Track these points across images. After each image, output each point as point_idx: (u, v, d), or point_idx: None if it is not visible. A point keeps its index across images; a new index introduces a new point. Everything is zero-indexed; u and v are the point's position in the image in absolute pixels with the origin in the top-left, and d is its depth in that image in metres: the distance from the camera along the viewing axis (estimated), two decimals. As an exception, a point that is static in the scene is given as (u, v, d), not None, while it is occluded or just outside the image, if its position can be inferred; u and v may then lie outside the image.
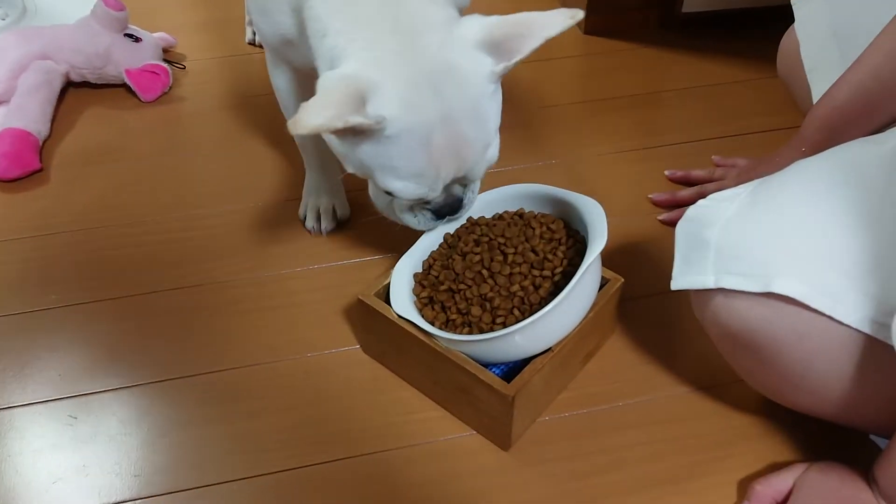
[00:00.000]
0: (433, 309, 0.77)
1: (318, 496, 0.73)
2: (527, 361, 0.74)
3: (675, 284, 0.70)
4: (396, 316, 0.77)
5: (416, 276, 0.81)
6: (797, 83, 1.12)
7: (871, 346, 0.61)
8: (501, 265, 0.77)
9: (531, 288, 0.76)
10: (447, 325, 0.76)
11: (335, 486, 0.74)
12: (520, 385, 0.71)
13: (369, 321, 0.81)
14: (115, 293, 0.92)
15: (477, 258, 0.78)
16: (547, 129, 1.17)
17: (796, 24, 1.08)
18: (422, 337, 0.75)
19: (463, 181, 0.76)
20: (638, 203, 1.03)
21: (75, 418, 0.80)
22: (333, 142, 0.73)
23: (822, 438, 0.76)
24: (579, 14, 0.67)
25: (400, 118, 0.68)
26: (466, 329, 0.75)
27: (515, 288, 0.75)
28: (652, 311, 0.89)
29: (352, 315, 0.89)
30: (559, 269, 0.76)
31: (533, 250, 0.78)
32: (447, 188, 0.75)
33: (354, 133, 0.68)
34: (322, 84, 0.68)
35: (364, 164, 0.72)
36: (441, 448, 0.77)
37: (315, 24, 0.73)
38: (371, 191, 0.82)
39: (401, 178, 0.71)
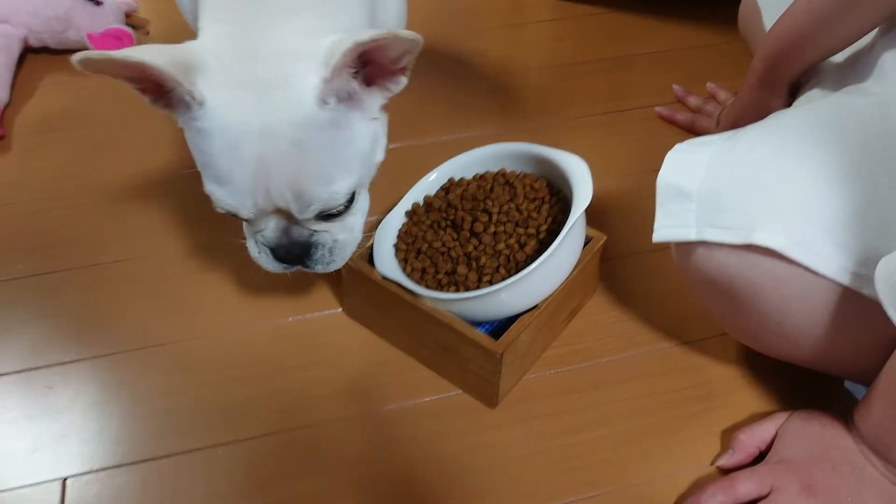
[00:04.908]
0: (418, 269, 0.77)
1: (306, 456, 0.73)
2: (512, 320, 0.74)
3: (657, 237, 0.70)
4: (381, 277, 0.76)
5: (399, 236, 0.80)
6: (756, 41, 1.14)
7: (846, 296, 0.63)
8: (486, 224, 0.76)
9: (516, 246, 0.75)
10: (432, 285, 0.76)
11: (321, 448, 0.73)
12: (507, 342, 0.71)
13: (353, 283, 0.80)
14: (84, 262, 0.90)
15: (461, 218, 0.78)
16: (519, 93, 1.16)
17: None
18: (407, 298, 0.75)
19: (296, 220, 0.66)
20: (613, 165, 1.03)
21: (51, 388, 0.78)
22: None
23: (802, 388, 0.77)
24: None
25: (215, 113, 0.60)
26: (452, 288, 0.75)
27: (501, 246, 0.75)
28: (632, 270, 0.90)
29: (334, 278, 0.88)
30: (544, 227, 0.76)
31: (517, 209, 0.78)
32: (284, 227, 0.67)
33: (178, 104, 0.61)
34: None
35: (193, 152, 0.65)
36: (427, 408, 0.76)
37: None
38: None
39: (212, 180, 0.64)
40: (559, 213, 0.78)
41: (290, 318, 0.84)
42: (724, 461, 0.71)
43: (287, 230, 0.67)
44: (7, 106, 1.10)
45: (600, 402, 0.77)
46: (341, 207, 0.66)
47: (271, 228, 0.66)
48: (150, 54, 0.56)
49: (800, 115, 0.70)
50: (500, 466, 0.72)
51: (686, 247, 0.69)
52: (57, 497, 0.69)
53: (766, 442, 0.71)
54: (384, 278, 0.76)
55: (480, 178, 0.83)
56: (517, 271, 0.73)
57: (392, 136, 0.71)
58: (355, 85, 0.62)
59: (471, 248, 0.75)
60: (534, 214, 0.77)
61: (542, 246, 0.75)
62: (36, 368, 0.79)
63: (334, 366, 0.80)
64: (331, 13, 0.65)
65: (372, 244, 0.79)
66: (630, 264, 0.90)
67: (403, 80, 0.64)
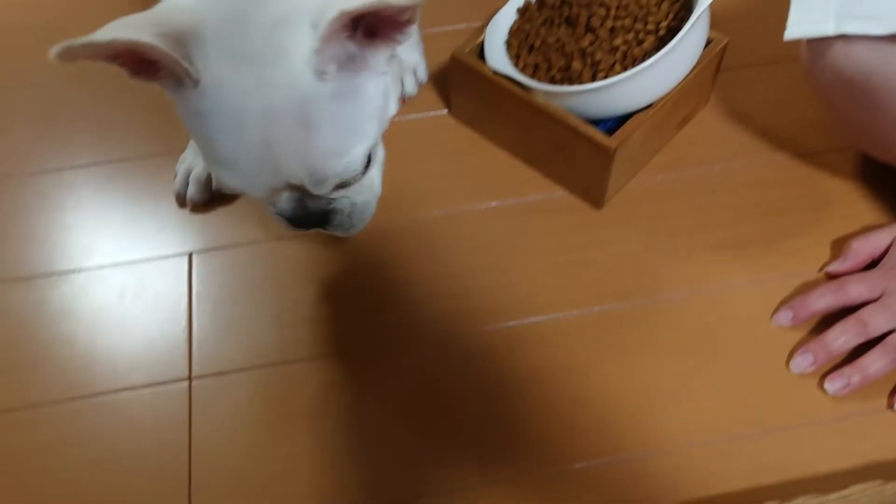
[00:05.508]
0: (530, 65, 0.75)
1: (409, 246, 0.75)
2: (623, 122, 0.73)
3: (790, 34, 0.66)
4: (492, 73, 0.75)
5: (511, 33, 0.78)
6: None
7: None
8: (603, 19, 0.74)
9: (634, 42, 0.73)
10: (545, 81, 0.74)
11: (424, 238, 0.76)
12: (621, 139, 0.70)
13: (462, 80, 0.79)
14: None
15: (576, 14, 0.75)
16: None
17: None
18: (519, 92, 0.74)
19: (310, 195, 0.60)
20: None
21: (172, 175, 0.81)
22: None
23: (922, 203, 0.75)
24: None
25: (212, 94, 0.52)
26: (566, 84, 0.73)
27: (618, 42, 0.72)
28: (748, 82, 0.86)
29: (440, 78, 0.87)
30: (664, 24, 0.73)
31: (636, 3, 0.74)
32: (298, 197, 0.60)
33: (165, 78, 0.53)
34: None
35: (188, 129, 0.58)
36: (531, 205, 0.77)
37: None
38: None
39: (214, 162, 0.56)
40: (680, 9, 0.74)
41: (396, 119, 0.84)
42: (834, 267, 0.71)
43: (302, 201, 0.60)
44: None
45: (709, 206, 0.77)
46: (358, 174, 0.60)
47: (285, 200, 0.60)
48: (136, 30, 0.48)
49: None
50: (601, 262, 0.73)
51: (820, 45, 0.66)
52: (185, 267, 0.75)
53: (880, 250, 0.70)
54: (495, 73, 0.75)
55: (596, -25, 0.79)
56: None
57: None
58: (353, 47, 0.54)
59: (586, 43, 0.73)
60: (653, 10, 0.74)
61: (661, 44, 0.72)
62: (154, 156, 0.83)
63: (439, 165, 0.81)
64: None
65: (483, 40, 0.78)
66: (746, 76, 0.86)
67: (412, 30, 0.54)
